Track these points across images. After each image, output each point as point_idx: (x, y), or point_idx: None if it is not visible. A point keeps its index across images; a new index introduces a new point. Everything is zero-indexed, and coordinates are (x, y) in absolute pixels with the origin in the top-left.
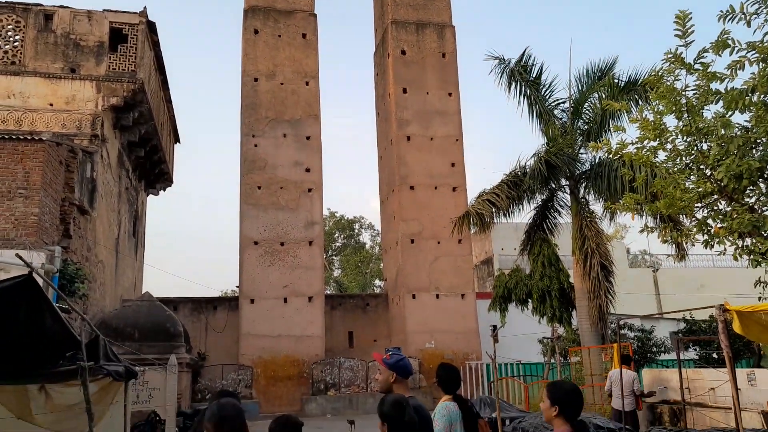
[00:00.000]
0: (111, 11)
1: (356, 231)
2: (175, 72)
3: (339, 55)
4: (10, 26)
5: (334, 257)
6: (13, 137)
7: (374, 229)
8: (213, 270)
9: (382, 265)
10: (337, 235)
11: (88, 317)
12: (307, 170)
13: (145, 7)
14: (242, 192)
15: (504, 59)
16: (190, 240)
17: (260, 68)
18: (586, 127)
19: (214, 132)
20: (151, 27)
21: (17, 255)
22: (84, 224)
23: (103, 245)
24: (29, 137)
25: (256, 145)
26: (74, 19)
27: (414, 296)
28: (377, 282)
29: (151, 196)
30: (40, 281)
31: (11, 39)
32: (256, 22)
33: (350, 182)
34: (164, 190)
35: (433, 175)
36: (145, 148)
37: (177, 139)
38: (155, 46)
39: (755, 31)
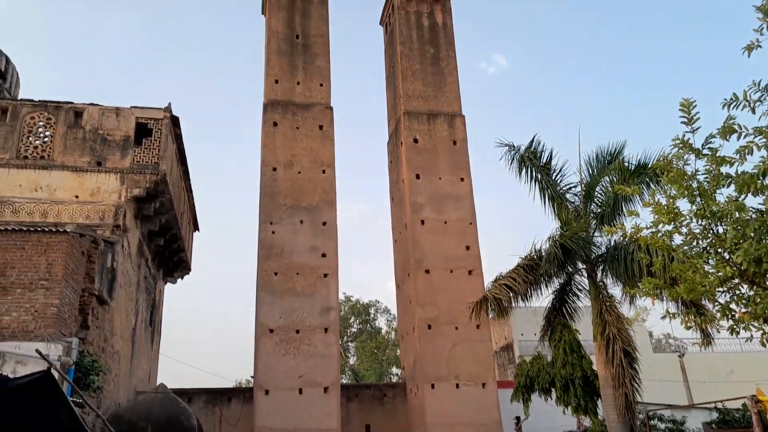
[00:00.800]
0: (138, 107)
1: (372, 315)
2: (196, 161)
3: (354, 144)
4: (41, 123)
5: (349, 343)
6: (38, 229)
7: (390, 314)
8: (228, 359)
9: (398, 351)
10: (352, 320)
11: (102, 410)
12: (323, 255)
13: (169, 103)
14: (259, 279)
15: (513, 146)
16: (206, 328)
17: (279, 158)
18: (599, 210)
19: (232, 219)
20: (175, 121)
21: (37, 351)
22: (102, 314)
23: (120, 335)
24: (54, 229)
25: (273, 232)
26: (103, 115)
27: (433, 386)
28: (394, 369)
29: (168, 284)
30: (56, 375)
31: (42, 135)
32: (275, 115)
33: (366, 266)
34: (182, 278)
35: (449, 258)
36: (165, 237)
37: (196, 227)
38: (178, 138)
39: (760, 117)
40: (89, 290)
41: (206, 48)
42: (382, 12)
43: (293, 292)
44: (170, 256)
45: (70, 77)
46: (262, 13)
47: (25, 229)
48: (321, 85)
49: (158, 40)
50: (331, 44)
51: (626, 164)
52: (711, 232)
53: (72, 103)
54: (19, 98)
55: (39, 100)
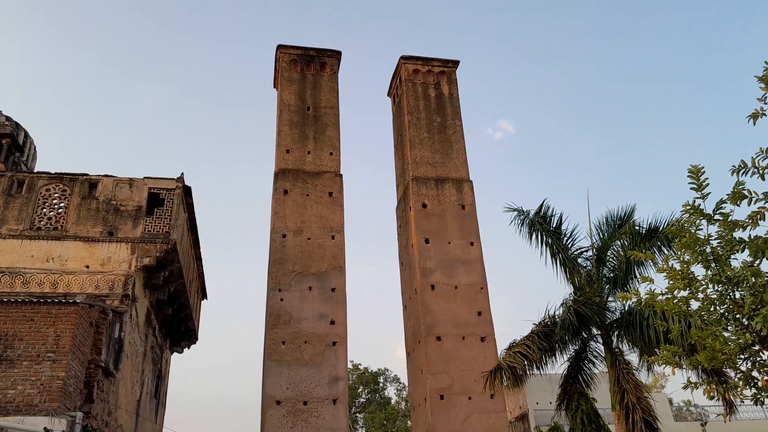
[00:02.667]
0: (151, 178)
1: (381, 385)
2: (206, 230)
3: (363, 210)
4: (56, 194)
5: (358, 414)
6: (48, 300)
7: (400, 383)
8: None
9: (409, 423)
10: (360, 389)
11: None
12: (332, 323)
13: (182, 173)
14: (266, 348)
15: (522, 211)
16: (212, 400)
17: (288, 225)
18: (611, 275)
19: (240, 287)
20: (187, 191)
21: (45, 429)
22: (107, 386)
23: (125, 408)
24: (63, 300)
25: (282, 299)
26: (117, 186)
27: None
28: None
29: (175, 354)
30: None
31: (56, 206)
32: (286, 183)
33: (375, 333)
34: (189, 347)
35: (460, 324)
36: (173, 306)
37: (204, 296)
38: (189, 208)
39: None
40: (96, 362)
41: (219, 119)
42: (390, 84)
43: (301, 362)
44: (178, 325)
45: (85, 147)
46: (274, 87)
47: (35, 300)
48: (331, 153)
49: (171, 111)
50: (341, 115)
51: (637, 228)
52: (728, 297)
53: (87, 175)
54: (36, 171)
55: (55, 173)
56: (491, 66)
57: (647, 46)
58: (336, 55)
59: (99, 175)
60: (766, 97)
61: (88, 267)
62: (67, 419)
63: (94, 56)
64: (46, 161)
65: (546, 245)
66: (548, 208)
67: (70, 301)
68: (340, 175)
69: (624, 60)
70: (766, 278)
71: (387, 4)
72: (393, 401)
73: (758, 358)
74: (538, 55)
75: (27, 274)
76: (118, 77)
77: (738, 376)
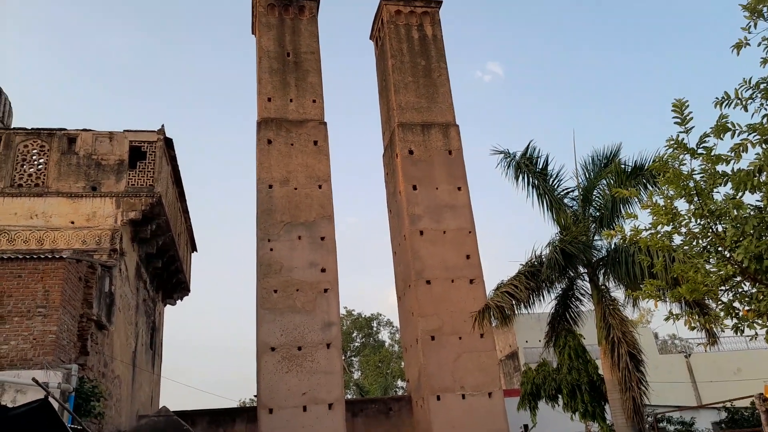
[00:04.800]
0: (131, 131)
1: (375, 329)
2: (192, 182)
3: (350, 158)
4: (35, 150)
5: (353, 358)
6: (35, 257)
7: (393, 326)
8: (231, 379)
9: (403, 364)
10: (355, 334)
11: None
12: (323, 270)
13: (162, 125)
14: (258, 297)
15: (509, 153)
16: (207, 349)
17: (274, 175)
18: (597, 214)
19: (229, 238)
20: (168, 143)
21: (34, 380)
22: (101, 339)
23: (120, 360)
24: (50, 256)
25: (271, 249)
26: (96, 140)
27: (438, 398)
28: (399, 383)
29: (168, 306)
30: (55, 405)
31: (36, 162)
32: (269, 132)
33: (366, 280)
34: (181, 299)
35: (449, 268)
36: (163, 259)
37: (194, 248)
38: (172, 160)
39: (753, 114)
40: (87, 315)
41: (198, 68)
42: (371, 27)
43: (294, 309)
44: (169, 278)
45: (62, 102)
46: (252, 33)
47: (21, 257)
48: (314, 101)
49: (149, 62)
50: (323, 60)
51: (623, 167)
52: (710, 231)
53: (65, 129)
54: (12, 127)
55: (32, 128)
56: (480, 6)
57: None
58: None
59: (77, 130)
60: (750, 26)
61: (73, 223)
62: (62, 371)
63: (67, 7)
64: (23, 117)
65: (532, 186)
66: (534, 149)
67: (57, 256)
68: (325, 123)
69: None
70: (748, 210)
71: None
72: (387, 344)
73: (739, 289)
74: None
75: (12, 231)
76: (91, 28)
77: (719, 306)
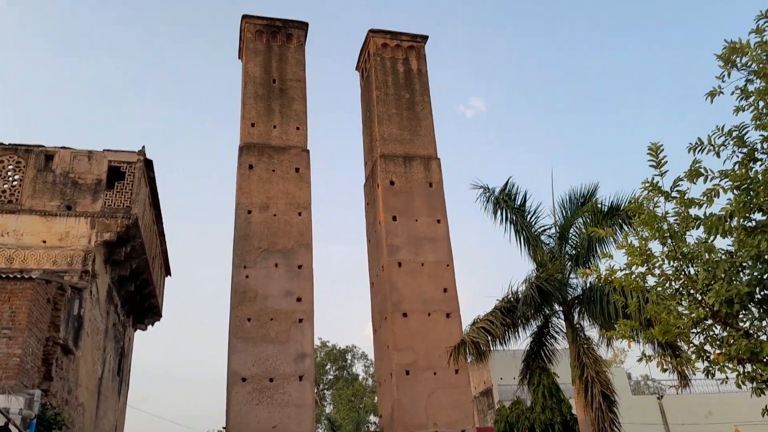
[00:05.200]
0: (111, 151)
1: (349, 362)
2: (169, 205)
3: (330, 186)
4: (10, 166)
5: (325, 391)
6: (2, 276)
7: (367, 359)
8: (200, 409)
9: (376, 398)
10: (328, 366)
11: None
12: (299, 300)
13: (143, 146)
14: (231, 325)
15: (488, 188)
16: (176, 378)
17: (254, 201)
18: (573, 252)
19: (205, 263)
20: (148, 164)
21: None
22: (67, 365)
23: (85, 386)
24: (19, 275)
25: (247, 276)
26: (74, 159)
27: None
28: (372, 418)
29: (138, 331)
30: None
31: (10, 179)
32: (251, 158)
33: (342, 310)
34: (152, 324)
35: (426, 301)
36: (136, 283)
37: (168, 272)
38: (151, 182)
39: (725, 161)
40: (54, 339)
41: (182, 91)
42: (358, 58)
43: (267, 339)
44: (141, 302)
45: (45, 121)
46: (239, 58)
47: None
48: (298, 128)
49: (134, 83)
50: (308, 89)
51: (599, 206)
52: (683, 273)
53: (43, 146)
54: None
55: (9, 144)
56: (464, 42)
57: (614, 22)
58: (303, 26)
59: (56, 147)
60: (724, 76)
61: (45, 242)
62: (24, 397)
63: (52, 26)
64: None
65: (510, 222)
66: (513, 186)
67: (26, 276)
68: (307, 151)
69: (592, 36)
70: (719, 254)
71: None
72: (360, 378)
73: (710, 332)
74: (512, 31)
75: None
76: (77, 48)
77: (691, 349)
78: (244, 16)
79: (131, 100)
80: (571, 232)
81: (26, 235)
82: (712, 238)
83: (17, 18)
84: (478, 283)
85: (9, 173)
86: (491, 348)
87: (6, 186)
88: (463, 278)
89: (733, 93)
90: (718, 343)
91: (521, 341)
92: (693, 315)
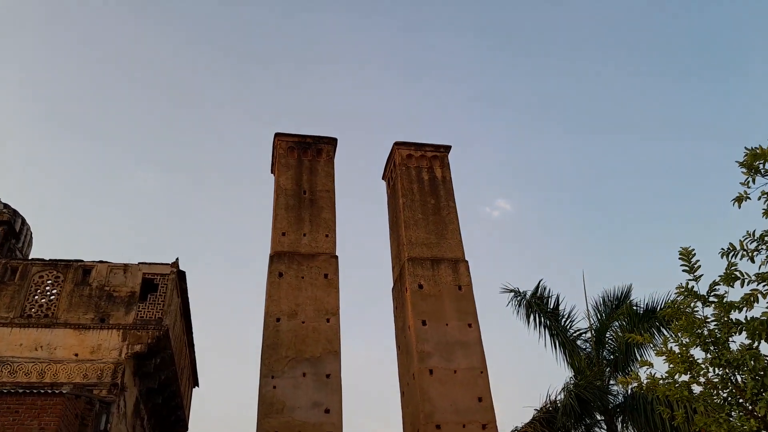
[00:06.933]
0: (145, 263)
1: None
2: (199, 313)
3: (359, 292)
4: (49, 281)
5: None
6: (34, 391)
7: None
8: None
9: None
10: None
11: None
12: (327, 411)
13: (177, 259)
14: None
15: (519, 291)
16: None
17: (283, 308)
18: (611, 357)
19: (233, 374)
20: (181, 276)
21: None
22: None
23: None
24: (50, 390)
25: (274, 387)
26: (111, 272)
27: None
28: None
29: None
30: None
31: (48, 293)
32: (281, 265)
33: (372, 421)
34: None
35: (460, 411)
36: (164, 395)
37: (196, 383)
38: (183, 293)
39: (760, 266)
40: None
41: (216, 204)
42: (384, 168)
43: None
44: (168, 415)
45: (82, 232)
46: (272, 172)
47: (20, 391)
48: (327, 235)
49: (169, 196)
50: (337, 198)
51: (635, 308)
52: (730, 381)
53: (82, 261)
54: (30, 257)
55: (49, 259)
56: (490, 146)
57: (637, 126)
58: (332, 141)
59: (93, 261)
60: (748, 182)
61: (77, 355)
62: None
63: (91, 143)
64: (43, 246)
65: (544, 327)
66: (545, 288)
67: (56, 392)
68: (336, 257)
69: (616, 140)
70: (765, 361)
71: (382, 92)
72: None
73: None
74: (539, 133)
75: (14, 363)
76: (115, 163)
77: None
78: (277, 134)
79: (166, 211)
80: (607, 335)
81: (59, 348)
82: (756, 343)
83: (62, 128)
84: (513, 391)
85: (47, 288)
86: None
87: (44, 300)
88: (497, 386)
89: (759, 198)
90: None
91: None
92: (745, 427)
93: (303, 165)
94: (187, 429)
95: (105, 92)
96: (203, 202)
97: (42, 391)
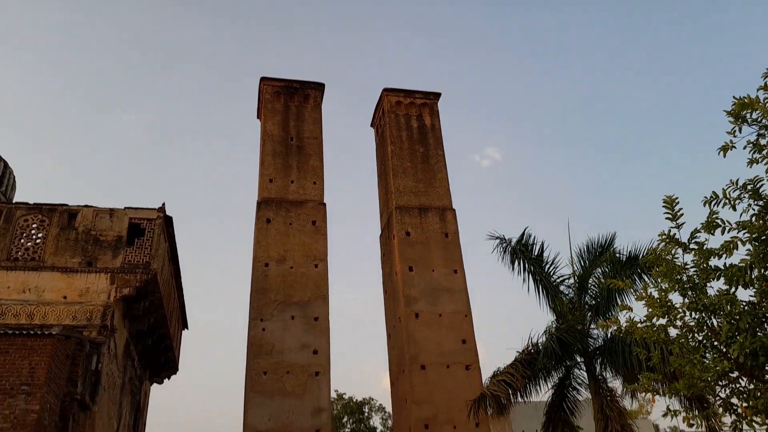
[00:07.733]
0: (132, 208)
1: (366, 414)
2: (187, 258)
3: (347, 239)
4: (35, 225)
5: None
6: (24, 333)
7: (385, 412)
8: None
9: None
10: (345, 419)
11: None
12: (315, 352)
13: (163, 203)
14: (248, 378)
15: (505, 239)
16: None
17: (271, 254)
18: (593, 302)
19: (222, 317)
20: (168, 221)
21: None
22: (83, 420)
23: None
24: (39, 332)
25: (263, 329)
26: (96, 216)
27: None
28: None
29: (154, 384)
30: None
31: (34, 237)
32: (269, 212)
33: (359, 362)
34: (169, 378)
35: (444, 353)
36: (153, 337)
37: (185, 326)
38: (170, 238)
39: (741, 214)
40: (71, 395)
41: (202, 149)
42: (373, 115)
43: (283, 393)
44: (158, 356)
45: (66, 177)
46: (258, 118)
47: (9, 332)
48: (314, 183)
49: (154, 141)
50: (324, 145)
51: (617, 256)
52: (706, 325)
53: (66, 205)
54: (14, 201)
55: (34, 203)
56: (480, 93)
57: (631, 67)
58: (319, 87)
59: (78, 206)
60: (735, 131)
61: (65, 298)
62: None
63: (76, 86)
64: (26, 191)
65: (528, 273)
66: (530, 236)
67: (46, 333)
68: (324, 204)
69: (609, 84)
70: (741, 306)
71: (370, 37)
72: (378, 430)
73: (737, 385)
74: (526, 80)
75: (3, 305)
76: (100, 107)
77: (718, 402)
78: (263, 78)
79: (153, 157)
80: (590, 282)
81: (47, 291)
82: (733, 289)
83: (46, 73)
84: (496, 334)
85: (33, 231)
86: (512, 401)
87: (30, 244)
88: (481, 330)
89: (745, 147)
90: (744, 396)
91: (543, 393)
92: (718, 368)
93: (290, 111)
94: (177, 370)
95: (89, 36)
96: (189, 148)
97: (32, 332)
